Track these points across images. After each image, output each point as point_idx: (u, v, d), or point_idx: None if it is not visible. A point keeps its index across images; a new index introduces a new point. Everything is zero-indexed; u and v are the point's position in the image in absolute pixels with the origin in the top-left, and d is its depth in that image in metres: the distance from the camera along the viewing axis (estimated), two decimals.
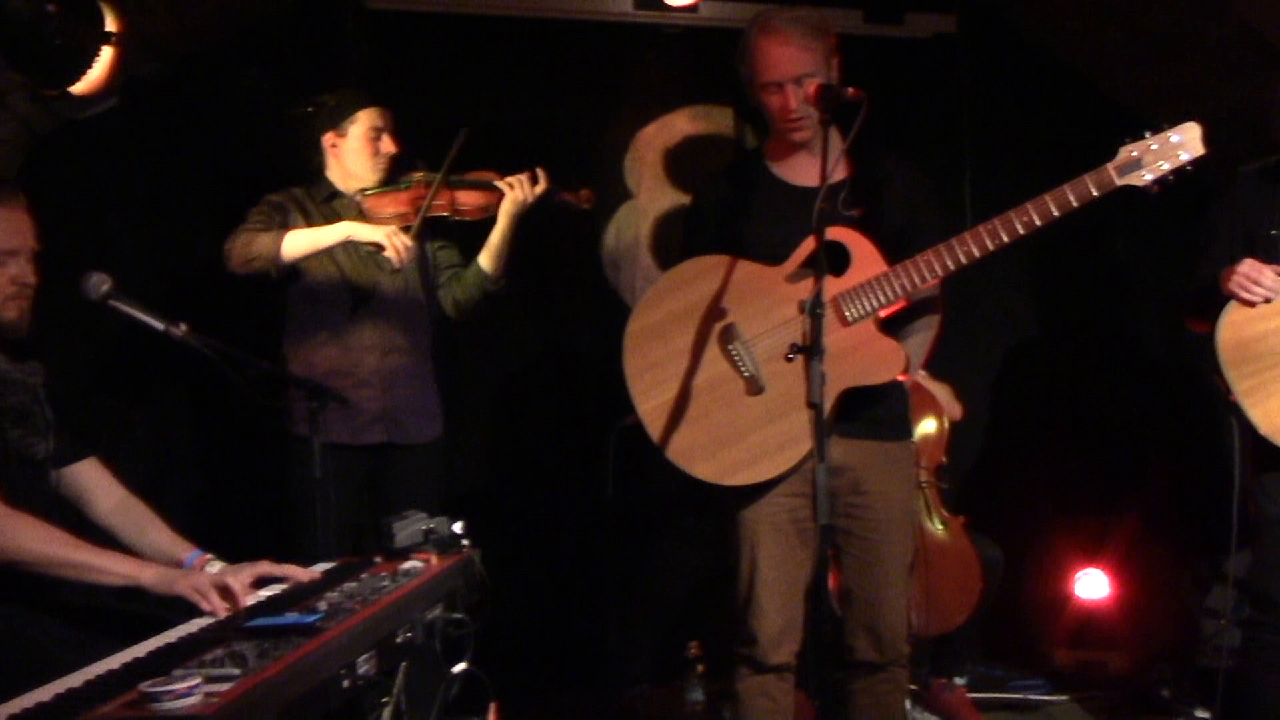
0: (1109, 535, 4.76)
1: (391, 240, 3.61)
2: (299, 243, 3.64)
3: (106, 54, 2.95)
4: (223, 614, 2.32)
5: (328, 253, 3.74)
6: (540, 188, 3.82)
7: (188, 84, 4.43)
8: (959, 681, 4.25)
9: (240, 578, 2.39)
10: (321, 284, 3.77)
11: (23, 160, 4.04)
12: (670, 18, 4.78)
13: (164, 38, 4.21)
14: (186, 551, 2.71)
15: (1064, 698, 4.37)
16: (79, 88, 2.95)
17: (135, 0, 3.76)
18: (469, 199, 3.84)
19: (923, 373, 4.22)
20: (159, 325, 2.76)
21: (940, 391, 4.31)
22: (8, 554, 2.35)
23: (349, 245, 3.76)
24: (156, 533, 2.77)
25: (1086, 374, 4.96)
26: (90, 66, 2.91)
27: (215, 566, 2.65)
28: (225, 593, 2.36)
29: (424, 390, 3.92)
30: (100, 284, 2.65)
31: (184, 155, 4.45)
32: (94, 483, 2.81)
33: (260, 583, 2.52)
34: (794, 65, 2.83)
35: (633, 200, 4.88)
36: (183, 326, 2.78)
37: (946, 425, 4.27)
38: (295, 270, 3.73)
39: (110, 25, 2.95)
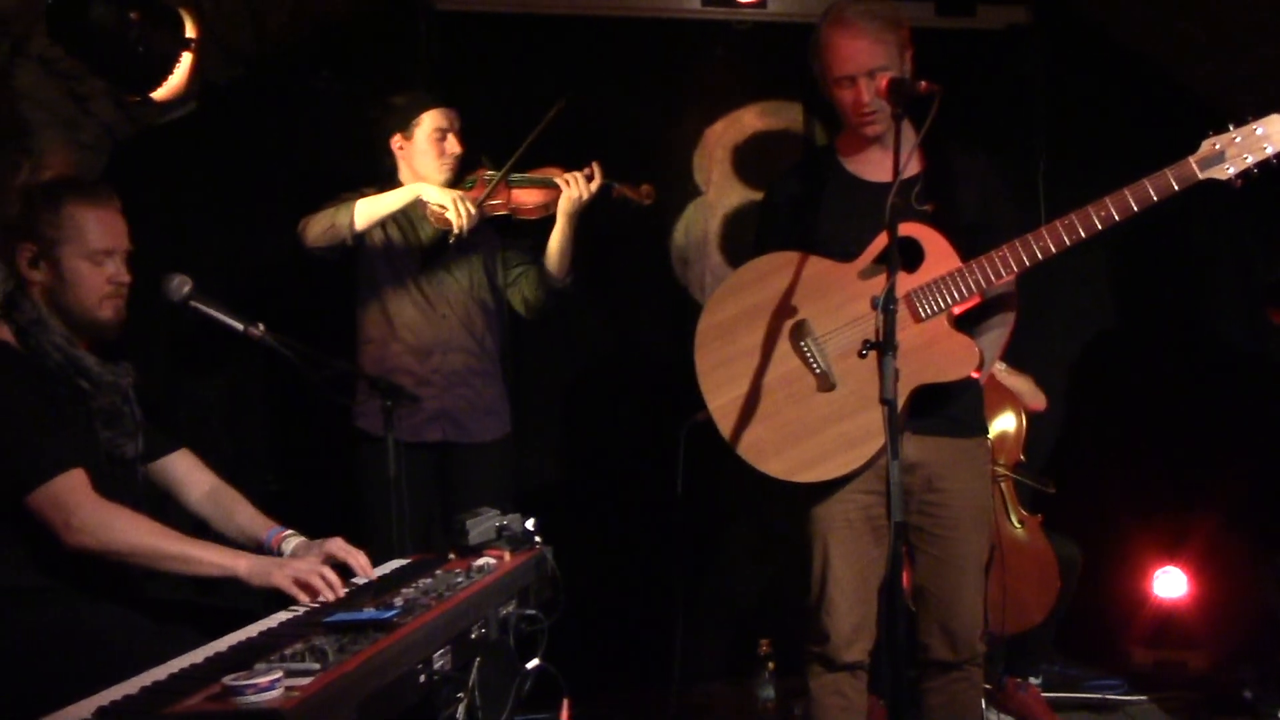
0: (1188, 532, 4.66)
1: (457, 204, 3.65)
2: (371, 209, 3.69)
3: (186, 60, 3.01)
4: (331, 597, 2.37)
5: (391, 240, 3.81)
6: (596, 183, 3.83)
7: (263, 88, 4.51)
8: (1033, 681, 4.20)
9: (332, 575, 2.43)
10: (387, 278, 3.82)
11: (105, 164, 4.14)
12: (738, 13, 4.77)
13: (240, 43, 4.29)
14: (267, 530, 2.78)
15: (1142, 698, 4.30)
16: (160, 93, 3.01)
17: (213, 7, 3.84)
18: (528, 197, 3.86)
19: (1002, 366, 4.16)
20: (238, 326, 2.81)
21: (1021, 383, 4.25)
22: (111, 546, 2.42)
23: (409, 230, 3.82)
24: (242, 514, 2.84)
25: (1165, 367, 4.86)
26: (171, 73, 2.97)
27: (292, 543, 2.71)
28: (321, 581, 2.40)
29: (488, 389, 3.94)
30: (181, 286, 2.71)
31: (260, 158, 4.53)
32: (185, 473, 2.89)
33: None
34: (867, 59, 2.79)
35: (702, 197, 4.87)
36: (260, 327, 2.83)
37: (1024, 422, 4.21)
38: (367, 264, 3.78)
39: (189, 32, 3.00)
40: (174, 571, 2.46)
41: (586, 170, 3.83)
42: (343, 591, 2.42)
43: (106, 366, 2.66)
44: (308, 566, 2.42)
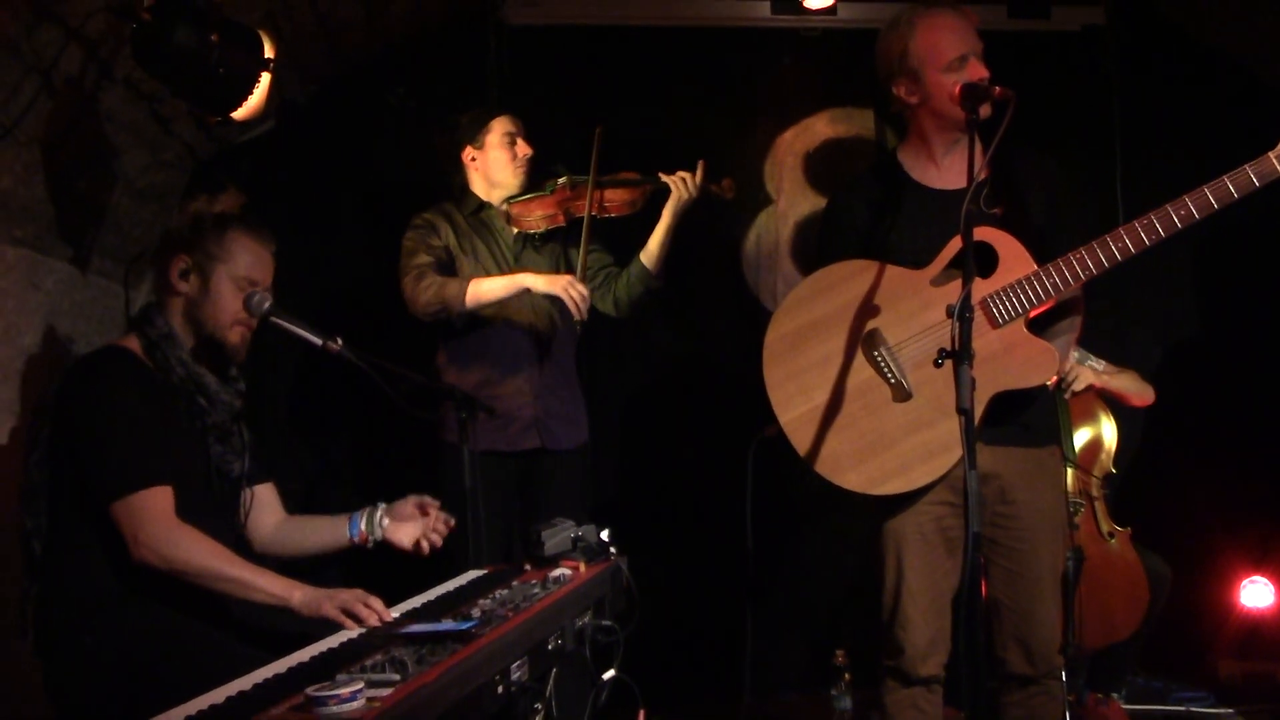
0: (1275, 542, 4.56)
1: (569, 292, 3.67)
2: (482, 294, 3.73)
3: (264, 80, 3.06)
4: (377, 622, 2.38)
5: (478, 257, 3.87)
6: (699, 178, 3.85)
7: (339, 105, 4.59)
8: (1115, 697, 4.11)
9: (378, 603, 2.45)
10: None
11: (186, 182, 4.23)
12: (807, 21, 4.74)
13: (316, 62, 4.37)
14: (345, 521, 2.91)
15: (1229, 710, 4.18)
16: (240, 113, 3.06)
17: (290, 27, 3.91)
18: (615, 195, 3.90)
19: (1100, 364, 4.06)
20: (316, 340, 2.85)
21: (1125, 381, 4.12)
22: (174, 564, 2.47)
23: (493, 243, 3.90)
24: (316, 525, 2.96)
25: (1251, 373, 4.74)
26: (250, 93, 3.02)
27: (378, 512, 2.90)
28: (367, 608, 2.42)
29: (571, 397, 4.00)
30: (262, 301, 2.76)
31: (337, 174, 4.61)
32: (264, 504, 2.96)
33: None
34: (974, 38, 2.81)
35: (773, 205, 4.85)
36: (338, 341, 2.87)
37: (1116, 433, 4.12)
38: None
39: (268, 53, 3.05)
40: (231, 595, 2.52)
41: (690, 172, 3.83)
42: (390, 617, 2.42)
43: (224, 386, 2.77)
44: (353, 596, 2.44)
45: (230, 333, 2.75)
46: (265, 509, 2.95)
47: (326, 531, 2.93)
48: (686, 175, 3.84)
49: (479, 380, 3.80)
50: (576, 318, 3.72)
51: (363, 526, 2.88)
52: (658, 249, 3.91)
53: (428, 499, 2.93)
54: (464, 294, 3.71)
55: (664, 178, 3.86)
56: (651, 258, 3.92)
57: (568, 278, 3.72)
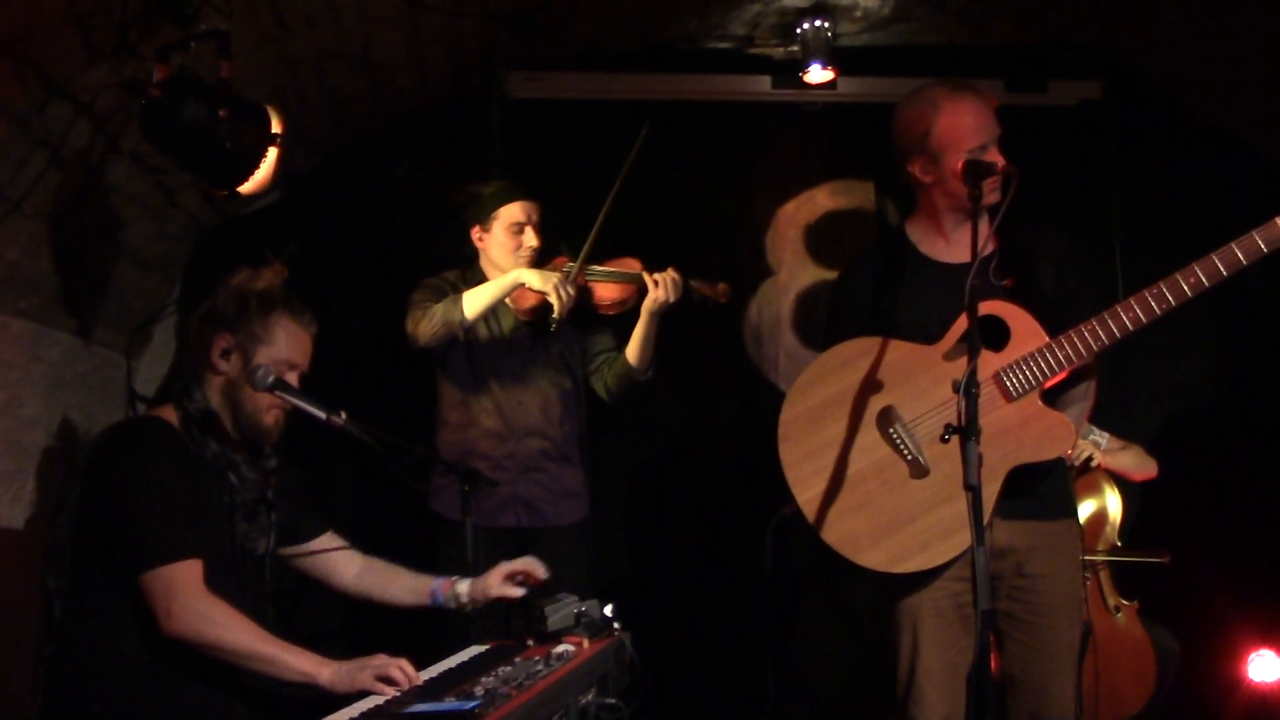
0: None
1: (558, 289, 3.71)
2: (478, 299, 3.76)
3: (271, 154, 3.09)
4: (407, 686, 2.38)
5: (474, 327, 3.85)
6: (679, 282, 3.83)
7: (343, 177, 4.63)
8: None
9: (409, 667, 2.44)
10: (467, 364, 3.88)
11: (190, 253, 4.25)
12: (808, 95, 4.79)
13: (321, 134, 4.41)
14: (432, 582, 2.99)
15: None
16: (246, 188, 3.08)
17: (296, 101, 3.95)
18: (606, 293, 3.89)
19: (1103, 440, 4.04)
20: (321, 414, 2.84)
21: (1128, 457, 4.09)
22: (206, 638, 2.46)
23: (491, 318, 3.88)
24: (401, 579, 3.01)
25: (1256, 443, 4.72)
26: (258, 168, 3.04)
27: (464, 584, 2.97)
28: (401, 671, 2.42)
29: (564, 474, 3.94)
30: (267, 375, 2.75)
31: (340, 245, 4.63)
32: (336, 555, 3.01)
33: None
34: (994, 124, 2.82)
35: (774, 278, 4.87)
36: (343, 415, 2.86)
37: (1121, 505, 4.09)
38: (449, 349, 3.84)
39: (275, 127, 3.08)
40: (259, 672, 2.48)
41: (669, 273, 3.82)
42: (420, 680, 2.42)
43: (254, 465, 2.78)
44: (381, 663, 2.42)
45: (266, 415, 2.76)
46: (339, 558, 3.01)
47: (409, 582, 3.01)
48: (666, 278, 3.81)
49: (463, 453, 3.80)
50: (557, 313, 3.74)
51: (449, 604, 2.97)
52: (638, 348, 3.90)
53: (515, 567, 3.02)
54: (460, 305, 3.73)
55: (645, 276, 3.83)
56: (635, 356, 3.91)
57: (559, 275, 3.76)
